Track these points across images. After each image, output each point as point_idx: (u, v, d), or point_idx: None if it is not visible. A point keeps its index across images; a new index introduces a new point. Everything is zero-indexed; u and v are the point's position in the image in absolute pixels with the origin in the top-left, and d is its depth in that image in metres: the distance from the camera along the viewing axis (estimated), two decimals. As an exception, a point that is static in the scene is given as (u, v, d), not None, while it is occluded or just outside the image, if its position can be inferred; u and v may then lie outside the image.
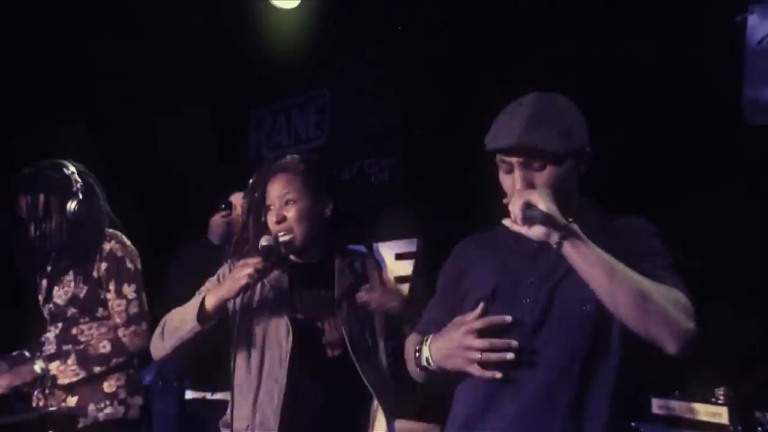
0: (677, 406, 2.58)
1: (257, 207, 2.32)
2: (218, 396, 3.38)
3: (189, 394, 3.64)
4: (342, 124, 4.96)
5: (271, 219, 2.26)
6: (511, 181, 1.65)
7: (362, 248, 2.48)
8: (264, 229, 2.27)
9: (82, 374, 2.55)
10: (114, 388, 2.60)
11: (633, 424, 2.64)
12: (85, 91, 4.92)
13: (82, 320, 2.63)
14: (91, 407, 2.55)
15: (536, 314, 1.61)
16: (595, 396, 1.58)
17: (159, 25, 4.61)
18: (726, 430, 2.41)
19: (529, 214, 1.52)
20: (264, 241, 2.16)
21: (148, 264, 2.82)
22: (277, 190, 2.27)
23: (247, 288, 2.11)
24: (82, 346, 2.59)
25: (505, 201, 1.61)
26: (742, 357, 2.68)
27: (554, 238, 1.52)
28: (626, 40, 3.23)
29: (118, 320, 2.62)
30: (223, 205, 3.64)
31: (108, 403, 2.58)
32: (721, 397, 2.50)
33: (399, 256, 4.37)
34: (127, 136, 5.15)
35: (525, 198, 1.54)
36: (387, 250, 4.47)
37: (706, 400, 2.53)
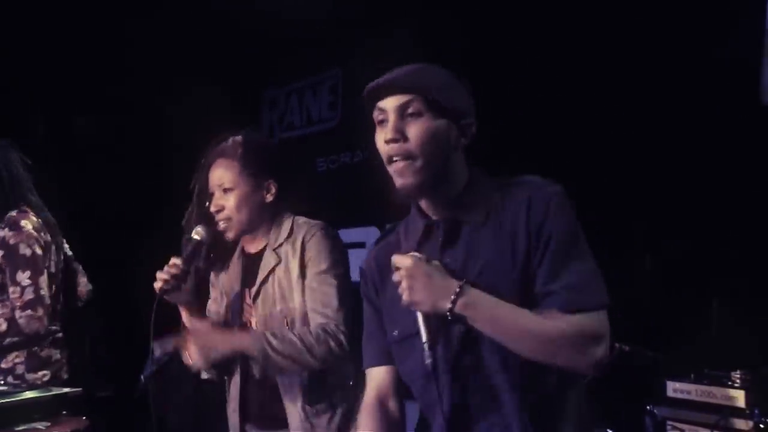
0: (693, 389, 2.56)
1: (200, 195, 2.27)
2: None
3: (204, 374, 3.65)
4: (355, 105, 4.91)
5: (212, 209, 2.21)
6: (383, 135, 1.58)
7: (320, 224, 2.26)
8: (205, 218, 2.22)
9: None
10: (11, 364, 2.72)
11: (648, 406, 2.63)
12: (97, 74, 4.93)
13: None
14: None
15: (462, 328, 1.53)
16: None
17: (171, 5, 4.59)
18: (743, 414, 2.39)
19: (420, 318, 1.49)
20: (194, 234, 2.13)
21: (160, 245, 2.82)
22: (215, 178, 2.21)
23: (163, 294, 2.05)
24: None
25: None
26: (760, 339, 2.66)
27: (442, 312, 1.47)
28: (644, 21, 3.18)
29: (16, 304, 2.70)
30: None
31: (2, 378, 2.70)
32: (738, 381, 2.48)
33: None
34: (138, 117, 5.16)
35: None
36: (400, 231, 4.46)
37: (722, 384, 2.51)
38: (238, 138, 2.27)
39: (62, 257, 3.01)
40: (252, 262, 2.26)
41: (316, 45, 5.05)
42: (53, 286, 2.86)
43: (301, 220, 2.26)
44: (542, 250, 1.50)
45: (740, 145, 2.91)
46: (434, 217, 1.63)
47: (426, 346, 1.49)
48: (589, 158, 3.22)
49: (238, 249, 2.33)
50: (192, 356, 2.12)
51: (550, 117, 3.41)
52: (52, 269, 2.88)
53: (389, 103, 1.59)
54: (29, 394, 2.34)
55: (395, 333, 1.65)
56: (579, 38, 3.37)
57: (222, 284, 2.33)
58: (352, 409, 2.16)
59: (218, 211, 2.18)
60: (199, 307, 2.22)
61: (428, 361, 1.49)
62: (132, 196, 5.17)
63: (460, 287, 1.47)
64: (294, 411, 2.16)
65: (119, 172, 5.17)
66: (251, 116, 5.70)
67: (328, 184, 4.89)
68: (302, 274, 2.16)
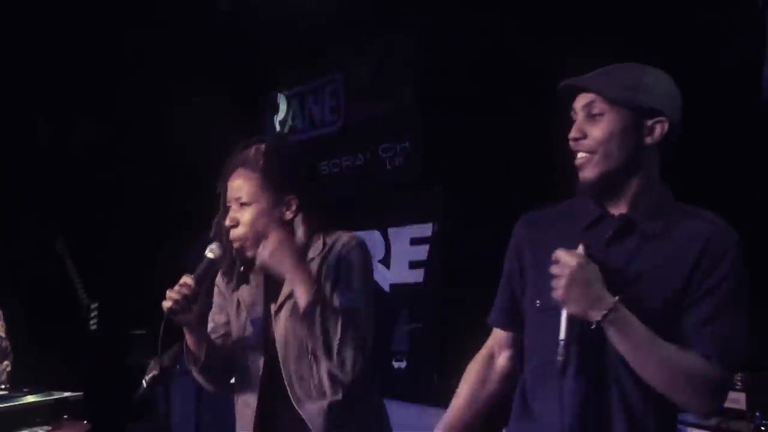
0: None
1: (221, 206, 2.09)
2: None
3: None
4: (357, 109, 4.93)
5: (227, 223, 2.02)
6: (570, 138, 1.63)
7: (357, 237, 2.11)
8: (222, 233, 2.04)
9: None
10: None
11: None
12: (98, 79, 4.94)
13: None
14: None
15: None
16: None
17: (173, 10, 4.61)
18: (744, 416, 2.39)
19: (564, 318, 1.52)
20: (208, 252, 1.97)
21: (164, 252, 2.83)
22: (233, 190, 2.03)
23: (171, 315, 1.90)
24: None
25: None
26: (760, 342, 2.65)
27: (590, 321, 1.49)
28: (646, 19, 3.18)
29: None
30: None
31: None
32: (739, 383, 2.48)
33: (414, 241, 4.37)
34: (140, 122, 5.17)
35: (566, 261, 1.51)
36: (402, 235, 4.47)
37: (723, 386, 2.50)
38: (262, 147, 2.08)
39: None
40: (275, 280, 2.06)
41: (318, 49, 5.07)
42: None
43: (325, 233, 2.08)
44: (707, 290, 1.51)
45: (741, 144, 2.91)
46: (610, 211, 1.63)
47: (562, 343, 1.51)
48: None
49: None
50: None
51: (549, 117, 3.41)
52: None
53: (577, 103, 1.64)
54: (30, 399, 2.35)
55: (538, 302, 1.66)
56: (577, 39, 3.37)
57: (242, 297, 2.14)
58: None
59: (233, 227, 2.01)
60: (205, 331, 2.07)
61: (560, 358, 1.51)
62: (133, 201, 5.18)
63: (615, 304, 1.47)
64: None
65: (120, 177, 5.19)
66: (253, 120, 5.72)
67: (330, 187, 4.90)
68: (331, 288, 1.99)
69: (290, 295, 2.00)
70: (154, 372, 3.74)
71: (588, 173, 1.59)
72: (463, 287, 3.77)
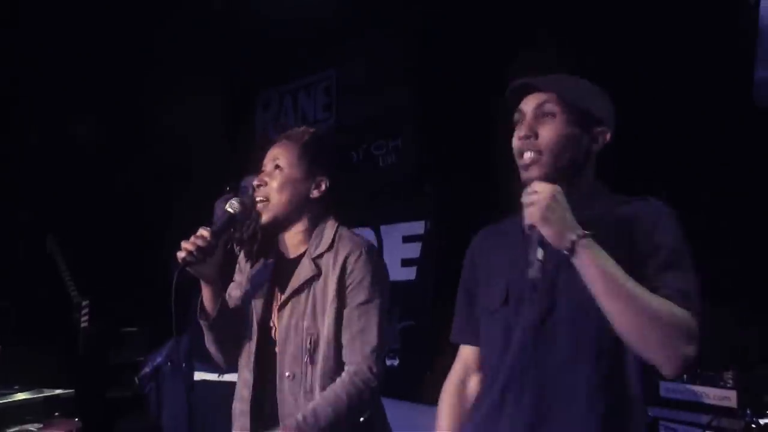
0: (685, 389, 2.57)
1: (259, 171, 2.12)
2: (227, 378, 3.40)
3: (197, 376, 3.65)
4: (350, 106, 4.93)
5: (255, 182, 2.07)
6: (517, 134, 1.65)
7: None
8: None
9: None
10: None
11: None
12: (90, 76, 4.92)
13: None
14: None
15: (544, 305, 1.58)
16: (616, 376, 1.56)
17: (165, 8, 4.59)
18: (735, 414, 2.40)
19: (532, 236, 1.52)
20: (228, 207, 2.00)
21: (157, 247, 2.82)
22: (272, 154, 2.09)
23: (185, 266, 1.92)
24: None
25: (522, 198, 1.57)
26: (751, 341, 2.67)
27: (565, 243, 1.49)
28: (638, 21, 3.19)
29: None
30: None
31: None
32: (730, 381, 2.49)
33: (406, 239, 4.37)
34: (131, 119, 5.16)
35: (536, 192, 1.53)
36: (394, 233, 4.47)
37: (714, 384, 2.52)
38: (311, 129, 2.17)
39: None
40: (287, 266, 2.10)
41: (311, 46, 5.06)
42: None
43: (345, 232, 2.10)
44: (651, 257, 1.52)
45: (733, 146, 2.92)
46: None
47: (538, 263, 1.51)
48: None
49: (276, 249, 2.18)
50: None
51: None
52: None
53: (527, 104, 1.66)
54: (21, 396, 2.34)
55: (489, 305, 1.70)
56: (573, 40, 3.37)
57: (253, 276, 2.17)
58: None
59: (260, 186, 2.05)
60: (221, 287, 2.08)
61: (534, 275, 1.51)
62: (125, 198, 5.16)
63: (588, 233, 1.49)
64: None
65: (111, 175, 5.16)
66: (246, 117, 5.71)
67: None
68: (339, 296, 2.00)
69: (298, 290, 2.04)
70: (147, 369, 3.74)
71: (534, 173, 1.61)
72: (455, 285, 3.77)
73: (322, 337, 1.99)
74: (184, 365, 3.85)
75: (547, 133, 1.61)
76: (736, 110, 2.93)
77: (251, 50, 5.15)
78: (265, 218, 2.05)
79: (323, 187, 2.09)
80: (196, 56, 4.94)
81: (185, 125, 4.75)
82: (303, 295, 2.03)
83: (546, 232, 1.50)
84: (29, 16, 4.48)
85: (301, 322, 2.01)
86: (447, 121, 4.05)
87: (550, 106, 1.62)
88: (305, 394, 1.98)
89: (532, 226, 1.53)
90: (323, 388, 1.97)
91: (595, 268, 1.46)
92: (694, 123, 3.02)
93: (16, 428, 2.15)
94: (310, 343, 1.99)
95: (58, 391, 2.46)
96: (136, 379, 4.26)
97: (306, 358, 1.99)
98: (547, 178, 1.58)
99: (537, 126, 1.62)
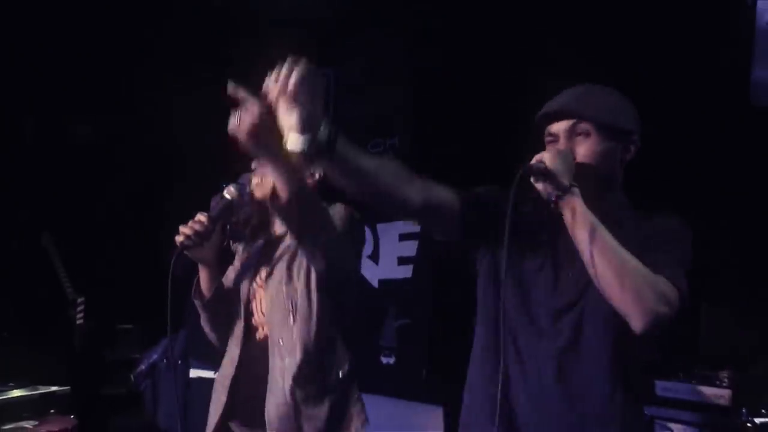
0: (681, 388, 2.58)
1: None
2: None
3: (193, 373, 3.66)
4: (347, 105, 4.92)
5: (253, 164, 2.13)
6: None
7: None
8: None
9: None
10: None
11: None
12: (88, 74, 4.91)
13: None
14: None
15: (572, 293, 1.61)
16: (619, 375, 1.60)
17: (164, 5, 4.59)
18: (730, 413, 2.40)
19: (536, 168, 1.54)
20: (225, 193, 2.04)
21: (152, 244, 2.82)
22: None
23: (183, 249, 1.97)
24: None
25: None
26: (748, 340, 2.67)
27: (564, 184, 1.54)
28: (635, 21, 3.19)
29: None
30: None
31: None
32: (726, 380, 2.50)
33: (403, 237, 4.37)
34: (127, 117, 5.15)
35: (538, 155, 1.57)
36: (391, 231, 4.47)
37: (710, 383, 2.52)
38: None
39: None
40: (273, 243, 2.19)
41: (309, 46, 5.05)
42: None
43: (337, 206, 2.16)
44: (651, 234, 1.59)
45: (730, 145, 2.92)
46: None
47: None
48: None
49: (268, 231, 2.26)
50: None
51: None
52: None
53: (558, 126, 1.67)
54: (17, 393, 2.34)
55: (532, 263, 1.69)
56: (566, 40, 3.37)
57: (245, 259, 2.26)
58: (341, 403, 2.08)
59: (255, 168, 2.12)
60: (219, 270, 2.16)
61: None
62: (120, 196, 5.16)
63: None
64: (279, 395, 2.01)
65: (107, 172, 5.16)
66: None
67: (321, 183, 4.88)
68: None
69: (279, 259, 2.11)
70: (142, 366, 3.74)
71: None
72: (451, 284, 3.77)
73: (298, 296, 2.04)
74: (180, 362, 3.86)
75: (584, 151, 1.63)
76: (733, 110, 2.93)
77: (250, 48, 5.14)
78: (259, 194, 2.09)
79: (319, 175, 2.17)
80: (194, 54, 4.93)
81: (182, 123, 4.75)
82: (284, 263, 2.10)
83: (551, 166, 1.54)
84: (26, 14, 4.47)
85: (280, 289, 2.08)
86: (444, 121, 4.05)
87: (584, 126, 1.64)
88: (290, 354, 2.02)
89: (531, 167, 1.55)
90: (304, 346, 2.01)
91: (584, 215, 1.53)
92: (691, 122, 3.02)
93: (12, 425, 2.14)
94: (291, 305, 2.05)
95: (53, 388, 2.45)
96: (131, 376, 4.25)
97: (291, 320, 2.04)
98: (586, 196, 1.58)
99: (572, 146, 1.64)
